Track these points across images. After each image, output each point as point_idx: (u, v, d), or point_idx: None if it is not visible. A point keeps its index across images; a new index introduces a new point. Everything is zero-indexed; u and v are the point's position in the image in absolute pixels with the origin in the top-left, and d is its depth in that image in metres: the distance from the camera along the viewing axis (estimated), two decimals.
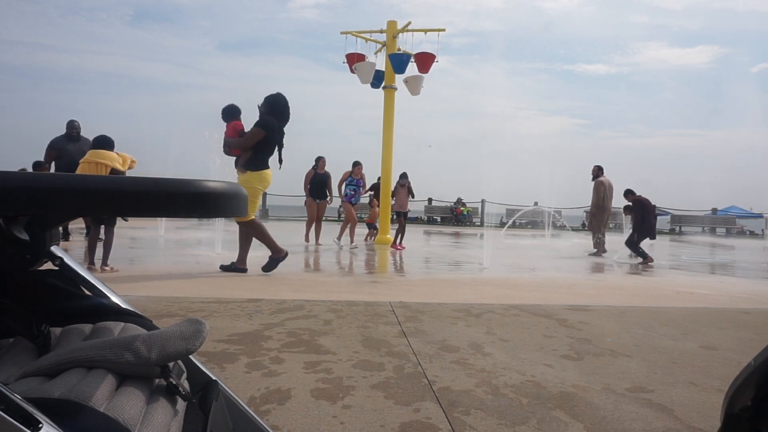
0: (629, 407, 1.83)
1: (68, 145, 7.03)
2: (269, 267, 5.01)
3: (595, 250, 9.15)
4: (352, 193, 9.07)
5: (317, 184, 9.02)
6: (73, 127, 7.15)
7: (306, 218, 9.55)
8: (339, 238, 8.84)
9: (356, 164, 9.01)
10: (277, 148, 5.11)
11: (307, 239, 9.09)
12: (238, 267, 5.03)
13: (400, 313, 3.26)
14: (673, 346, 2.72)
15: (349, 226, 9.21)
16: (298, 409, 1.71)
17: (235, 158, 5.16)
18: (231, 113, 5.33)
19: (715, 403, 1.90)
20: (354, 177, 8.99)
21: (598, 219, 9.30)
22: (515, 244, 11.41)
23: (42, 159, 7.09)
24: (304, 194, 9.29)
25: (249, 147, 4.93)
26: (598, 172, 9.47)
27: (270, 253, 5.03)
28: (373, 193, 10.60)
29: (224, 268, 5.06)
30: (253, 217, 5.10)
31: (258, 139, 4.89)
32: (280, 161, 5.20)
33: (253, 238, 5.07)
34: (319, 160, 9.09)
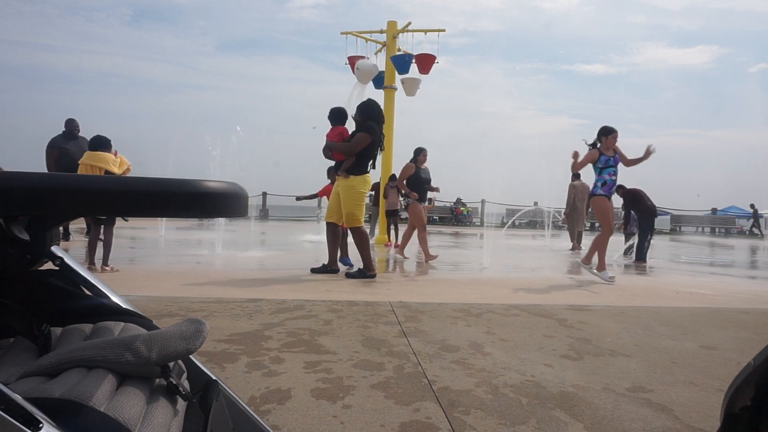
0: (629, 407, 1.83)
1: (68, 144, 7.01)
2: (354, 275, 4.97)
3: (572, 245, 10.14)
4: (614, 179, 5.47)
5: (421, 182, 6.94)
6: (73, 125, 7.15)
7: (367, 223, 7.92)
8: (602, 269, 5.41)
9: (610, 131, 5.39)
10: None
11: (402, 251, 7.11)
12: (367, 273, 4.96)
13: (400, 313, 3.26)
14: (673, 346, 2.73)
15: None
16: (298, 408, 1.71)
17: (335, 162, 5.16)
18: (339, 116, 5.26)
19: (715, 403, 1.90)
20: (607, 153, 5.37)
21: (570, 218, 10.37)
22: (515, 244, 11.41)
23: (45, 158, 7.06)
24: (405, 196, 7.12)
25: (356, 152, 4.94)
26: (573, 177, 10.38)
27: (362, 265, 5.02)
28: (374, 193, 10.67)
29: (350, 275, 5.00)
30: (362, 223, 5.10)
31: (365, 144, 4.92)
32: (373, 165, 5.27)
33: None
34: (420, 153, 7.02)
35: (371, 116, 5.05)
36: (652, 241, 8.33)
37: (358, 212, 4.98)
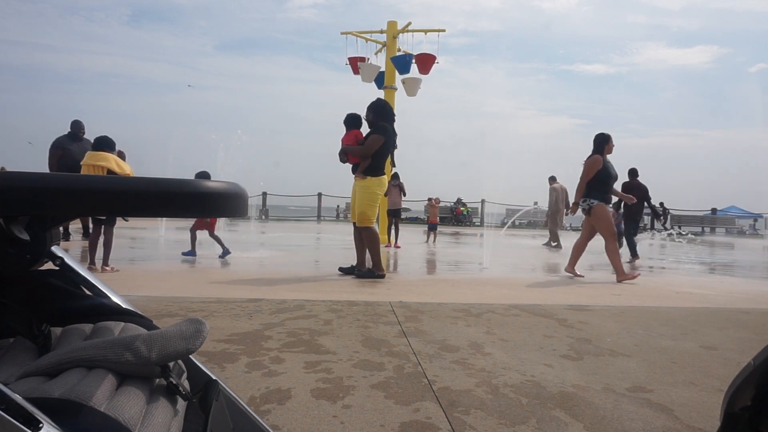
0: (629, 407, 1.83)
1: (71, 145, 7.06)
2: (364, 275, 4.97)
3: (554, 243, 10.83)
4: None
5: (610, 179, 5.60)
6: (79, 127, 7.25)
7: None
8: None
9: None
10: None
11: (573, 268, 5.74)
12: (376, 273, 4.95)
13: (400, 313, 3.26)
14: (673, 346, 2.72)
15: None
16: (298, 408, 1.71)
17: (352, 165, 5.17)
18: (354, 121, 5.29)
19: (715, 403, 1.90)
20: None
21: (552, 219, 11.22)
22: (515, 244, 11.42)
23: (48, 158, 7.13)
24: (585, 198, 5.58)
25: (370, 154, 4.96)
26: (552, 182, 11.35)
27: (371, 265, 5.02)
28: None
29: (360, 275, 4.99)
30: (374, 223, 5.10)
31: (378, 146, 4.94)
32: (393, 164, 5.25)
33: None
34: (608, 141, 5.60)
35: (383, 115, 5.08)
36: (645, 242, 8.55)
37: (370, 212, 5.00)
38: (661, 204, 19.57)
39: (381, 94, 10.29)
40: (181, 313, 3.06)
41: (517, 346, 2.61)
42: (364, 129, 5.18)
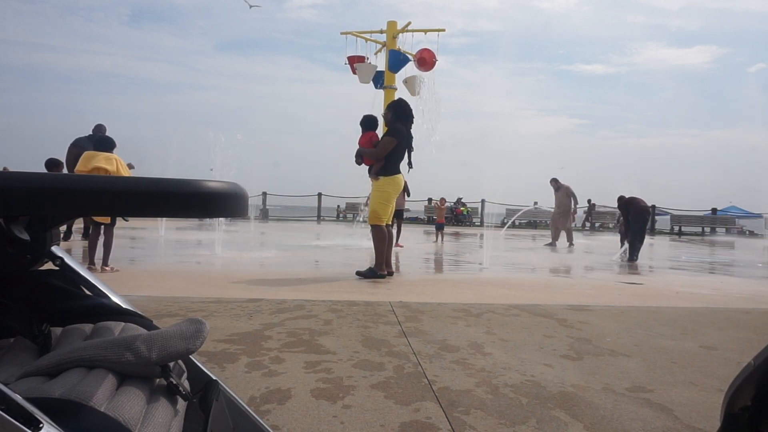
0: (629, 407, 1.83)
1: (89, 146, 7.24)
2: (365, 275, 4.97)
3: (556, 242, 11.07)
4: None
5: None
6: (99, 130, 7.48)
7: None
8: None
9: None
10: (407, 152, 5.18)
11: None
12: (377, 273, 4.96)
13: (400, 313, 3.26)
14: (673, 346, 2.72)
15: None
16: (298, 408, 1.71)
17: (368, 167, 5.20)
18: (370, 123, 5.38)
19: (715, 403, 1.90)
20: None
21: (568, 218, 11.23)
22: (515, 245, 11.42)
23: (53, 157, 7.32)
24: None
25: (382, 156, 4.99)
26: (558, 183, 11.38)
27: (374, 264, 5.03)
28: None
29: (361, 274, 4.99)
30: (386, 222, 5.11)
31: (390, 148, 4.98)
32: (410, 164, 5.30)
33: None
34: None
35: (401, 115, 5.14)
36: (645, 242, 8.69)
37: (382, 211, 5.02)
38: (589, 201, 19.82)
39: (379, 94, 10.28)
40: (181, 313, 3.06)
41: (517, 346, 2.61)
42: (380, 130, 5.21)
